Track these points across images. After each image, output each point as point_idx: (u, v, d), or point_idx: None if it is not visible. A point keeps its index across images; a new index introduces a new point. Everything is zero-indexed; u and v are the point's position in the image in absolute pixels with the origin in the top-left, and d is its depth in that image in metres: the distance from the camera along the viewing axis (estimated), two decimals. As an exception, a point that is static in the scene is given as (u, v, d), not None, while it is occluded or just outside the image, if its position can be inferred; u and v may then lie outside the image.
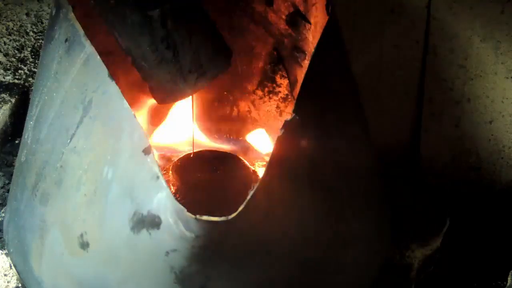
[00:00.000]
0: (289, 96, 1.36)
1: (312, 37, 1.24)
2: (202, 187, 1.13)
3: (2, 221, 1.25)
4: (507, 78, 1.37)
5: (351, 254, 1.08)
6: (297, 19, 1.26)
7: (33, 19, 1.54)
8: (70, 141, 0.99)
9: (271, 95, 1.38)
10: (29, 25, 1.54)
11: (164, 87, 1.03)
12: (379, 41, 1.39)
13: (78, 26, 0.99)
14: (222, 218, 0.83)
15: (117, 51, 1.06)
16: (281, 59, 1.34)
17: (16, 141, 1.48)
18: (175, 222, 0.85)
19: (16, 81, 1.57)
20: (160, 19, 0.98)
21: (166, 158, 1.29)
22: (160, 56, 1.00)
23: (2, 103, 1.51)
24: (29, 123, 1.11)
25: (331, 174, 1.02)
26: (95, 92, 0.96)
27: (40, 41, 1.54)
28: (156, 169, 0.86)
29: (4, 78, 1.57)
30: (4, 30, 1.55)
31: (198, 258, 0.89)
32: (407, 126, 1.45)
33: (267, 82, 1.37)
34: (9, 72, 1.57)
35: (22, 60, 1.56)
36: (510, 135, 1.42)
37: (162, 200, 0.86)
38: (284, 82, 1.35)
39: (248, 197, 0.84)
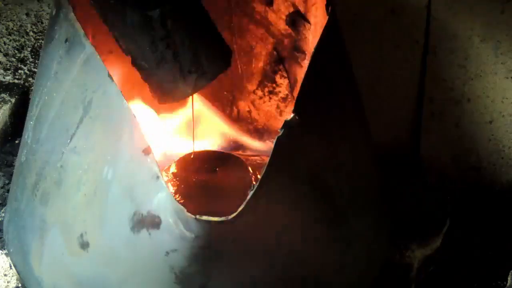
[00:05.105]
0: (289, 96, 1.36)
1: (312, 37, 1.24)
2: (202, 187, 1.13)
3: (2, 221, 1.25)
4: (507, 78, 1.37)
5: (351, 254, 1.08)
6: (297, 19, 1.26)
7: (33, 19, 1.53)
8: (70, 141, 0.99)
9: (271, 95, 1.38)
10: (29, 25, 1.54)
11: (164, 87, 1.03)
12: (379, 41, 1.39)
13: (78, 26, 0.99)
14: (222, 218, 0.83)
15: (117, 51, 1.06)
16: (281, 59, 1.34)
17: (16, 141, 1.48)
18: (175, 222, 0.85)
19: (16, 81, 1.57)
20: (160, 19, 0.98)
21: (166, 158, 1.29)
22: (160, 56, 1.00)
23: (2, 103, 1.51)
24: (29, 123, 1.11)
25: (331, 174, 1.02)
26: (95, 92, 0.96)
27: (40, 41, 1.54)
28: (156, 169, 0.86)
29: (4, 78, 1.57)
30: (4, 30, 1.55)
31: (198, 258, 0.89)
32: (407, 126, 1.45)
33: (267, 82, 1.37)
34: (9, 72, 1.57)
35: (22, 60, 1.56)
36: (510, 135, 1.42)
37: (162, 200, 0.86)
38: (284, 82, 1.35)
39: (248, 197, 0.84)
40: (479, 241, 1.32)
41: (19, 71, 1.57)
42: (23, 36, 1.55)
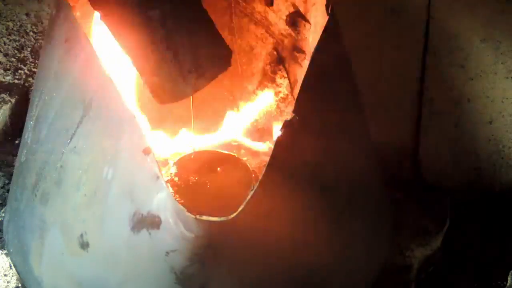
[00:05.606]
0: (289, 96, 1.36)
1: (312, 37, 1.24)
2: (202, 187, 1.13)
3: (2, 221, 1.25)
4: (507, 78, 1.37)
5: (351, 254, 1.08)
6: (297, 19, 1.26)
7: (33, 19, 1.53)
8: (70, 141, 0.99)
9: (271, 95, 1.38)
10: (29, 25, 1.54)
11: (164, 87, 1.03)
12: (379, 41, 1.39)
13: (78, 26, 0.99)
14: (222, 218, 0.83)
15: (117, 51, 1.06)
16: (281, 59, 1.34)
17: (16, 141, 1.48)
18: (175, 222, 0.85)
19: (16, 81, 1.57)
20: (160, 19, 0.98)
21: (166, 158, 1.29)
22: (160, 56, 1.00)
23: (2, 103, 1.51)
24: (29, 123, 1.11)
25: (331, 174, 1.02)
26: (95, 92, 0.96)
27: (40, 41, 1.54)
28: (156, 169, 0.86)
29: (4, 78, 1.57)
30: (4, 30, 1.55)
31: (198, 258, 0.89)
32: (407, 126, 1.45)
33: (267, 82, 1.37)
34: (9, 72, 1.57)
35: (22, 60, 1.56)
36: (510, 135, 1.42)
37: (162, 200, 0.86)
38: (284, 82, 1.35)
39: (248, 197, 0.84)
40: (479, 241, 1.32)
41: (19, 71, 1.57)
42: (23, 36, 1.55)
